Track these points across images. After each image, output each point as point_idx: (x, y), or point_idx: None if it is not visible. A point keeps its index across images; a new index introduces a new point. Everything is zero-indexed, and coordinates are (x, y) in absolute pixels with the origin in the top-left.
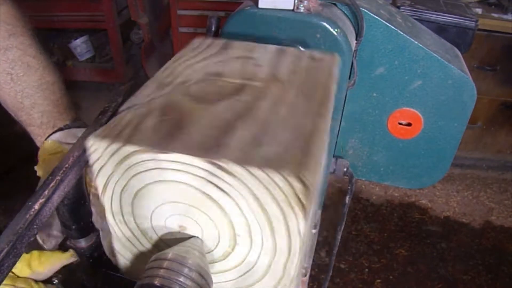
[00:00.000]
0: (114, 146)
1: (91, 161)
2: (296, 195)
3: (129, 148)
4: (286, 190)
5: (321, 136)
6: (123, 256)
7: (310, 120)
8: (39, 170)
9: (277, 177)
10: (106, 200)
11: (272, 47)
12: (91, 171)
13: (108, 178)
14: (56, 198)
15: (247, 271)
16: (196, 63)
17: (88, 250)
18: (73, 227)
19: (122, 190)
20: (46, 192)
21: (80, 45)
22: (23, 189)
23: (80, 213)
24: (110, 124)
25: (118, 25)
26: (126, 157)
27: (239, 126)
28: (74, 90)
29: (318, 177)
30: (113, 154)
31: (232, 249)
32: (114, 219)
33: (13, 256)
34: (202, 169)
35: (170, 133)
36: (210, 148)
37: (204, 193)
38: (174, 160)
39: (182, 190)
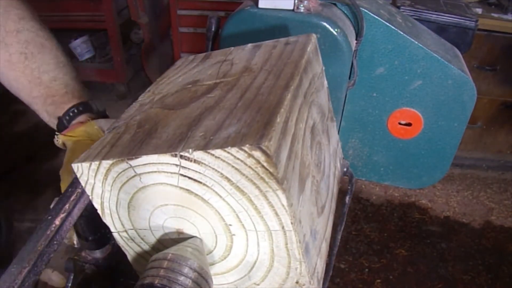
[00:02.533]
0: (94, 165)
1: (83, 184)
2: (262, 165)
3: (106, 163)
4: (251, 163)
5: (285, 105)
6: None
7: (275, 95)
8: (75, 152)
9: (239, 153)
10: (108, 221)
11: (248, 45)
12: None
13: (101, 198)
14: (77, 212)
15: (255, 261)
16: (176, 79)
17: (104, 261)
18: (90, 238)
19: (116, 206)
20: (67, 206)
21: (80, 45)
22: (23, 189)
23: (97, 224)
24: (92, 147)
25: (118, 25)
26: (107, 172)
27: (205, 118)
28: None
29: (283, 142)
30: (96, 172)
31: (231, 242)
32: (122, 238)
33: (34, 275)
34: (172, 164)
35: (141, 141)
36: (176, 143)
37: (182, 188)
38: (146, 163)
39: (164, 191)
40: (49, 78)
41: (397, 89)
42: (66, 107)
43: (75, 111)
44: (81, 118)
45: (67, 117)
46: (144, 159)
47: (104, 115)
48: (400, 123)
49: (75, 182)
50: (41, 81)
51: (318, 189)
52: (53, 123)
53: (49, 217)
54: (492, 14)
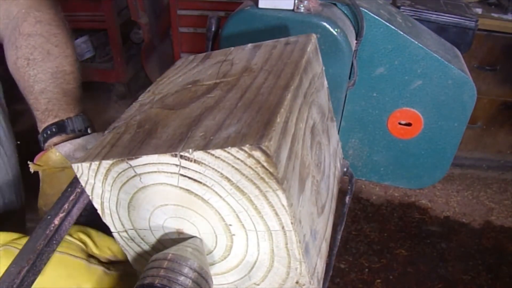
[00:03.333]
0: (94, 165)
1: (83, 184)
2: (262, 165)
3: (106, 163)
4: (251, 163)
5: (285, 105)
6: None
7: (275, 95)
8: (44, 184)
9: (239, 153)
10: (108, 221)
11: (248, 45)
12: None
13: (101, 198)
14: (76, 211)
15: (255, 261)
16: (176, 79)
17: None
18: None
19: (116, 206)
20: (66, 205)
21: (80, 45)
22: (23, 189)
23: (97, 225)
24: (92, 147)
25: (118, 25)
26: (107, 172)
27: (205, 118)
28: None
29: (283, 142)
30: (96, 172)
31: (231, 242)
32: (122, 238)
33: (33, 274)
34: (172, 164)
35: (142, 141)
36: (176, 143)
37: (182, 188)
38: (146, 163)
39: (164, 191)
40: (39, 89)
41: (397, 89)
42: (42, 126)
43: (48, 132)
44: (55, 139)
45: (42, 139)
46: (144, 159)
47: (82, 134)
48: (400, 123)
49: (74, 182)
50: (33, 90)
51: (318, 189)
52: None
53: (48, 217)
54: (492, 14)
